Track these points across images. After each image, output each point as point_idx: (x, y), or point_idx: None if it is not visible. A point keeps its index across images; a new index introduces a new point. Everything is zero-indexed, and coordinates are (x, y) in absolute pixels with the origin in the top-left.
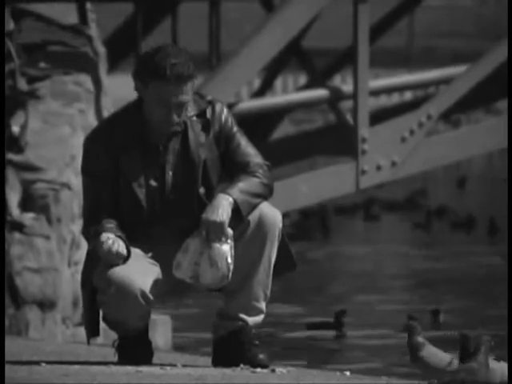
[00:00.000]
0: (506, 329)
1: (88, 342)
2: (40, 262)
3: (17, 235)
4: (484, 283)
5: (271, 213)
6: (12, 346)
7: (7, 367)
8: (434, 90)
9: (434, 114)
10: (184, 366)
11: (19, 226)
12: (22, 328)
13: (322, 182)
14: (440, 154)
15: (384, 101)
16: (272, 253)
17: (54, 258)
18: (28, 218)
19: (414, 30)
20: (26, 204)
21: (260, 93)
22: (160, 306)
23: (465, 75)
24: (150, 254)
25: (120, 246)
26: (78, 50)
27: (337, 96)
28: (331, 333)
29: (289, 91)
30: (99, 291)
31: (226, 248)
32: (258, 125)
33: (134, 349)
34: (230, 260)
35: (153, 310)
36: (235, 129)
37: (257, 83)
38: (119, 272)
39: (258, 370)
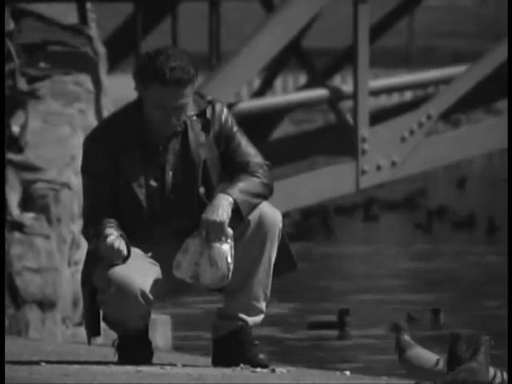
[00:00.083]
0: (506, 329)
1: (89, 342)
2: (40, 261)
3: (17, 235)
4: (484, 283)
5: (271, 213)
6: (12, 345)
7: (7, 367)
8: (433, 89)
9: (434, 114)
10: (184, 365)
11: (19, 226)
12: (21, 328)
13: (322, 182)
14: (440, 154)
15: (384, 101)
16: (272, 253)
17: (53, 258)
18: (28, 217)
19: (413, 30)
20: (26, 204)
21: (260, 93)
22: (159, 306)
23: (465, 75)
24: (149, 254)
25: (121, 244)
26: (78, 50)
27: (337, 96)
28: (333, 332)
29: (289, 91)
30: (99, 291)
31: (226, 248)
32: (258, 125)
33: (134, 349)
34: (230, 260)
35: (153, 309)
36: (235, 129)
37: (257, 83)
38: (119, 272)
39: (258, 369)
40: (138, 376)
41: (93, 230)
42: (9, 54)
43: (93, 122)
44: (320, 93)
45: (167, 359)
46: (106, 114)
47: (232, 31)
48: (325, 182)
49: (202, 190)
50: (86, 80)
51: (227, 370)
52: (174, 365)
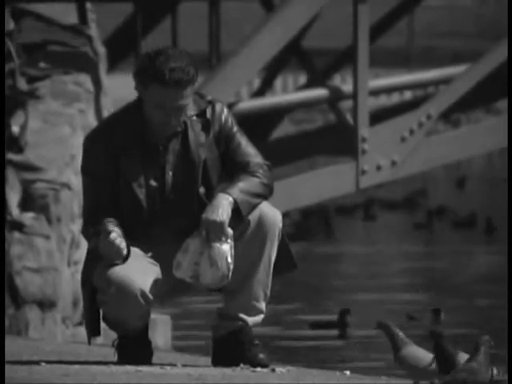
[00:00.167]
0: (506, 329)
1: (89, 342)
2: (40, 261)
3: (17, 235)
4: (484, 283)
5: (271, 213)
6: (12, 345)
7: (7, 367)
8: (433, 89)
9: (434, 114)
10: (184, 365)
11: (19, 226)
12: (21, 328)
13: (322, 182)
14: (440, 154)
15: (384, 101)
16: (272, 252)
17: (53, 258)
18: (28, 217)
19: (413, 30)
20: (26, 204)
21: (260, 93)
22: (159, 306)
23: (465, 75)
24: (149, 254)
25: (122, 243)
26: (78, 49)
27: (337, 96)
28: (334, 332)
29: (289, 91)
30: (99, 291)
31: (226, 248)
32: (257, 125)
33: (134, 348)
34: (230, 260)
35: (153, 309)
36: (235, 129)
37: (257, 83)
38: (119, 272)
39: (258, 369)
40: (137, 376)
41: (93, 229)
42: (9, 54)
43: (93, 122)
44: (320, 93)
45: (167, 359)
46: (105, 114)
47: (232, 31)
48: (325, 182)
49: (202, 189)
50: (85, 80)
51: (227, 370)
52: (174, 365)
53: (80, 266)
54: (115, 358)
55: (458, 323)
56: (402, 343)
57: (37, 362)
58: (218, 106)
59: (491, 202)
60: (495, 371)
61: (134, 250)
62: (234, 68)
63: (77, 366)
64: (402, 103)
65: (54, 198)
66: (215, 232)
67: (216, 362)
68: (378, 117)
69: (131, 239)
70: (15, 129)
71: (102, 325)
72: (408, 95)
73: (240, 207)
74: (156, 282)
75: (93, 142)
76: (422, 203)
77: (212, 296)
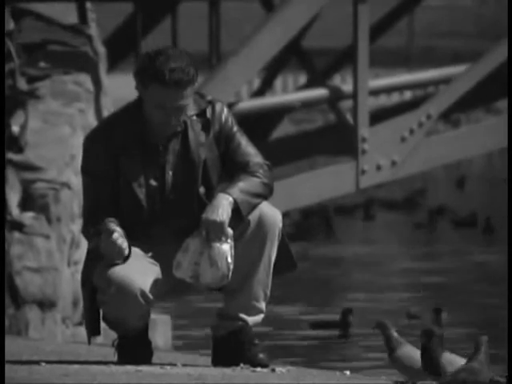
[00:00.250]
0: (507, 328)
1: (89, 342)
2: (40, 261)
3: (17, 235)
4: (484, 282)
5: (271, 212)
6: (12, 345)
7: (7, 367)
8: (433, 89)
9: (434, 114)
10: (184, 365)
11: (19, 226)
12: (21, 328)
13: (322, 182)
14: (440, 154)
15: (384, 100)
16: (272, 252)
17: (53, 258)
18: (28, 217)
19: (413, 30)
20: (26, 203)
21: (260, 93)
22: (158, 306)
23: (465, 75)
24: (150, 254)
25: (124, 243)
26: (78, 49)
27: (337, 96)
28: (334, 332)
29: (289, 91)
30: (99, 291)
31: (226, 248)
32: (258, 125)
33: (134, 348)
34: (229, 260)
35: (153, 309)
36: (235, 128)
37: (257, 83)
38: (119, 272)
39: (258, 369)
40: (138, 376)
41: (93, 229)
42: (9, 54)
43: (93, 121)
44: (320, 93)
45: (167, 359)
46: (105, 113)
47: (232, 31)
48: (325, 182)
49: (202, 189)
50: (85, 80)
51: (227, 370)
52: (174, 365)
53: (80, 266)
54: (115, 358)
55: (458, 323)
56: (396, 343)
57: (37, 362)
58: (218, 106)
59: (491, 202)
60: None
61: (134, 250)
62: (233, 68)
63: (77, 366)
64: (402, 103)
65: (54, 198)
66: (215, 232)
67: (216, 362)
68: (378, 117)
69: (131, 239)
70: (15, 129)
71: (102, 325)
72: (408, 95)
73: (240, 207)
74: (156, 282)
75: (93, 141)
76: (421, 203)
77: (212, 296)
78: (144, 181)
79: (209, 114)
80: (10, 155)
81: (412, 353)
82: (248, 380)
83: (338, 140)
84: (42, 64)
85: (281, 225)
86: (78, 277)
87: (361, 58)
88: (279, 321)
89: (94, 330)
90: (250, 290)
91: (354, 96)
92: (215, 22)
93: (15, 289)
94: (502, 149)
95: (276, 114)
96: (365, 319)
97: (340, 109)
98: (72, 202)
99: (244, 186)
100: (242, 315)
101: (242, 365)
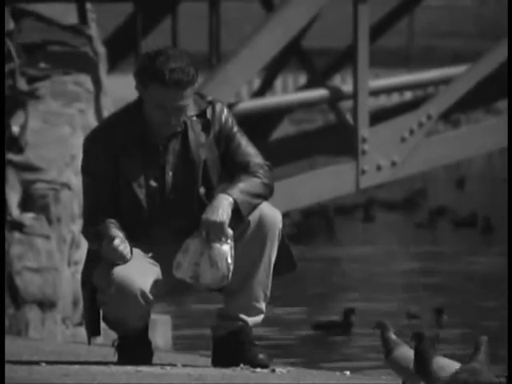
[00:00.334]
0: (506, 328)
1: (89, 342)
2: (40, 261)
3: (17, 235)
4: (483, 282)
5: (271, 213)
6: (12, 345)
7: (7, 367)
8: (433, 90)
9: (434, 114)
10: (184, 365)
11: (19, 226)
12: (21, 328)
13: (322, 182)
14: (440, 154)
15: (384, 101)
16: (272, 253)
17: (53, 258)
18: (28, 217)
19: (414, 30)
20: (26, 204)
21: (260, 93)
22: (158, 306)
23: (465, 75)
24: (150, 254)
25: (126, 249)
26: (78, 49)
27: (337, 96)
28: (337, 332)
29: (289, 91)
30: (99, 291)
31: (226, 248)
32: (258, 125)
33: (134, 348)
34: (230, 260)
35: (153, 310)
36: (235, 129)
37: (257, 83)
38: (119, 272)
39: (258, 369)
40: (137, 376)
41: (93, 229)
42: (9, 54)
43: (93, 122)
44: (320, 93)
45: (167, 359)
46: (105, 114)
47: (232, 31)
48: (325, 182)
49: (202, 190)
50: (85, 80)
51: (227, 370)
52: (174, 365)
53: (80, 266)
54: (115, 358)
55: (457, 323)
56: (393, 344)
57: (37, 362)
58: (218, 106)
59: (491, 202)
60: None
61: (135, 250)
62: (233, 68)
63: (77, 366)
64: (402, 103)
65: (54, 198)
66: (215, 232)
67: (216, 362)
68: (378, 117)
69: (131, 239)
70: (15, 129)
71: (102, 325)
72: (408, 95)
73: (240, 208)
74: (156, 283)
75: (93, 142)
76: (422, 203)
77: (212, 296)
78: (144, 181)
79: (209, 114)
80: (10, 155)
81: (408, 354)
82: (248, 380)
83: (338, 140)
84: (42, 64)
85: (281, 225)
86: (78, 277)
87: (361, 58)
88: (279, 321)
89: (94, 330)
90: (250, 291)
91: (354, 96)
92: (215, 22)
93: (15, 289)
94: (502, 149)
95: (276, 114)
96: (365, 319)
97: (340, 109)
98: (72, 202)
99: (244, 186)
100: (242, 316)
101: (241, 365)
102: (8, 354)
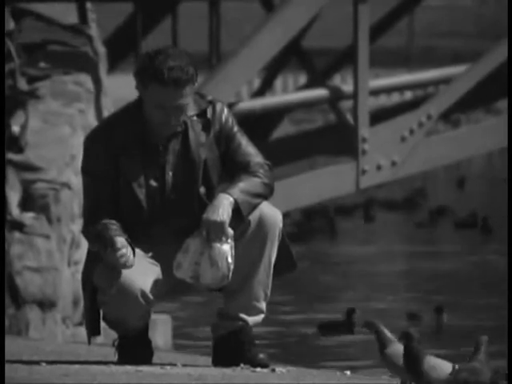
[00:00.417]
0: (506, 328)
1: (89, 342)
2: (40, 261)
3: (17, 235)
4: (483, 282)
5: (271, 213)
6: (12, 345)
7: (7, 367)
8: (433, 89)
9: (434, 114)
10: (184, 365)
11: (19, 226)
12: (22, 328)
13: (322, 182)
14: (440, 154)
15: (384, 101)
16: (272, 253)
17: (53, 258)
18: (28, 217)
19: (413, 30)
20: (26, 204)
21: (260, 93)
22: (159, 306)
23: (465, 75)
24: (150, 254)
25: (130, 257)
26: (78, 49)
27: (337, 96)
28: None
29: (289, 91)
30: (99, 291)
31: (226, 248)
32: (258, 125)
33: (134, 348)
34: (230, 260)
35: (152, 309)
36: (236, 128)
37: (257, 83)
38: (120, 272)
39: (258, 369)
40: (137, 376)
41: (94, 230)
42: (9, 54)
43: (93, 121)
44: (320, 93)
45: (167, 359)
46: (106, 114)
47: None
48: (325, 182)
49: (202, 190)
50: (85, 80)
51: (227, 370)
52: (174, 365)
53: (80, 266)
54: (115, 358)
55: (457, 323)
56: (387, 341)
57: (37, 362)
58: (218, 106)
59: (491, 202)
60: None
61: (135, 251)
62: (233, 68)
63: (77, 366)
64: (402, 103)
65: (54, 198)
66: (216, 232)
67: (216, 362)
68: (378, 117)
69: (131, 239)
70: (15, 129)
71: (102, 324)
72: (408, 95)
73: (240, 207)
74: (156, 282)
75: (93, 141)
76: (422, 203)
77: (212, 296)
78: (144, 181)
79: (209, 114)
80: (10, 155)
81: (401, 351)
82: (248, 380)
83: (338, 140)
84: (42, 64)
85: (281, 225)
86: (78, 277)
87: (361, 57)
88: (279, 321)
89: (94, 330)
90: (250, 290)
91: (354, 96)
92: (215, 21)
93: (15, 289)
94: (502, 149)
95: (276, 113)
96: (365, 319)
97: (340, 109)
98: (72, 202)
99: (244, 186)
100: (242, 315)
101: (242, 365)
102: (8, 353)
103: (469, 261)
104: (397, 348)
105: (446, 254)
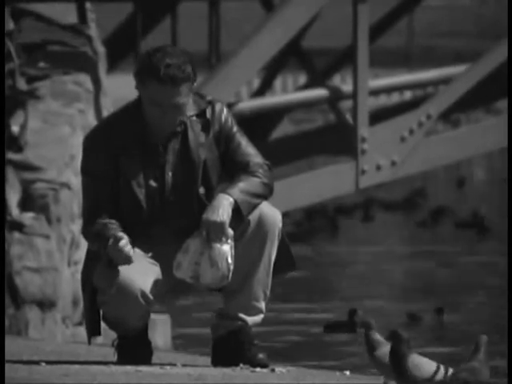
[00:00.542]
0: (506, 328)
1: (89, 342)
2: (40, 261)
3: (16, 235)
4: (483, 282)
5: (271, 213)
6: (12, 345)
7: (7, 367)
8: (433, 89)
9: (434, 114)
10: (184, 365)
11: (19, 226)
12: (21, 328)
13: (322, 182)
14: (440, 154)
15: (384, 100)
16: (272, 252)
17: (53, 258)
18: (28, 217)
19: (413, 30)
20: (26, 204)
21: (260, 93)
22: (159, 306)
23: (465, 75)
24: (150, 254)
25: (131, 251)
26: (78, 49)
27: (336, 96)
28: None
29: (289, 91)
30: (99, 291)
31: (226, 248)
32: (257, 125)
33: (134, 348)
34: (230, 260)
35: (152, 309)
36: (235, 129)
37: (256, 83)
38: (119, 272)
39: (258, 369)
40: (137, 376)
41: (93, 230)
42: (9, 54)
43: (92, 121)
44: (320, 93)
45: (167, 359)
46: (105, 113)
47: (232, 31)
48: (324, 182)
49: (201, 190)
50: (85, 80)
51: (227, 370)
52: (174, 365)
53: (80, 266)
54: (115, 358)
55: (458, 323)
56: (377, 344)
57: (37, 362)
58: (217, 106)
59: (491, 202)
60: (450, 371)
61: (135, 250)
62: (233, 68)
63: (77, 366)
64: (402, 103)
65: (54, 198)
66: (215, 232)
67: (216, 362)
68: (378, 117)
69: (131, 239)
70: (15, 128)
71: (102, 325)
72: (408, 95)
73: (240, 207)
74: (156, 283)
75: (92, 141)
76: (421, 203)
77: (212, 296)
78: (144, 181)
79: (208, 114)
80: (10, 155)
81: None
82: (248, 380)
83: (337, 140)
84: (42, 64)
85: (281, 225)
86: (78, 277)
87: (361, 58)
88: (279, 321)
89: (94, 330)
90: (249, 290)
91: (354, 96)
92: (215, 21)
93: (15, 289)
94: (502, 149)
95: (276, 114)
96: (362, 319)
97: (340, 109)
98: (72, 202)
99: (244, 186)
100: (242, 315)
101: (241, 365)
102: (8, 353)
103: (469, 261)
104: (386, 350)
105: (446, 254)
